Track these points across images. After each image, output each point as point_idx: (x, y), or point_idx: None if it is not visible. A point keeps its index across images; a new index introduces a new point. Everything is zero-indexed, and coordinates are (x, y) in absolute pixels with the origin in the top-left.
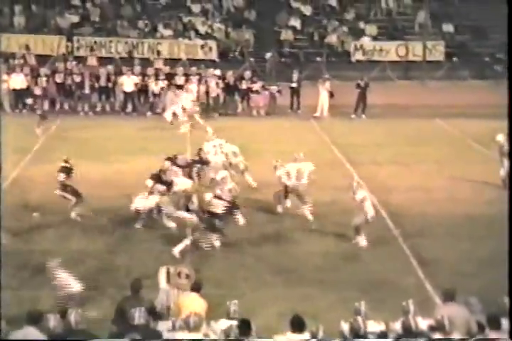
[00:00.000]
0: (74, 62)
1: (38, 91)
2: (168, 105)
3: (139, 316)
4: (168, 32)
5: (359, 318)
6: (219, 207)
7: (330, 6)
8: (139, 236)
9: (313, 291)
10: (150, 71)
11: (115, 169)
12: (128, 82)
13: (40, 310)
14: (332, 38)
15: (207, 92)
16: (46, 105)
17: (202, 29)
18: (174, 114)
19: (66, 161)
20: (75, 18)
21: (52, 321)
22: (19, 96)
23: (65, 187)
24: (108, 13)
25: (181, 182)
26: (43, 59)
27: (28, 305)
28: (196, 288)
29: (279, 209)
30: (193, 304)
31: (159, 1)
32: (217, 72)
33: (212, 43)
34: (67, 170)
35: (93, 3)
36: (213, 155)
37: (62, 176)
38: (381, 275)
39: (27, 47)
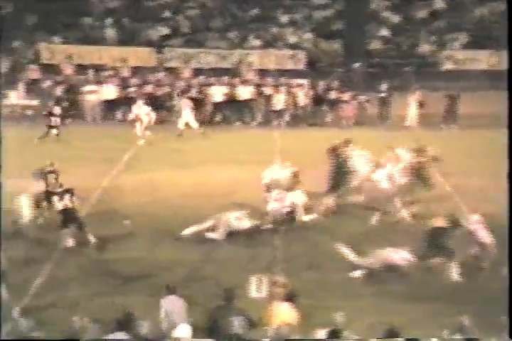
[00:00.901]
0: (164, 73)
1: (127, 102)
2: (182, 114)
3: (238, 325)
4: (257, 42)
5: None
6: None
7: (420, 15)
8: (227, 245)
9: (404, 303)
10: (239, 81)
11: (202, 180)
12: (217, 93)
13: (131, 316)
14: (422, 48)
15: (295, 102)
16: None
17: (291, 39)
18: (187, 124)
19: None
20: (166, 30)
21: (144, 327)
22: (109, 107)
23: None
24: (198, 24)
25: None
26: (133, 70)
27: (120, 311)
28: (290, 298)
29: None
30: (285, 314)
31: (249, 13)
32: (306, 82)
33: (301, 53)
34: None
35: (184, 15)
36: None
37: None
38: None
39: (120, 60)
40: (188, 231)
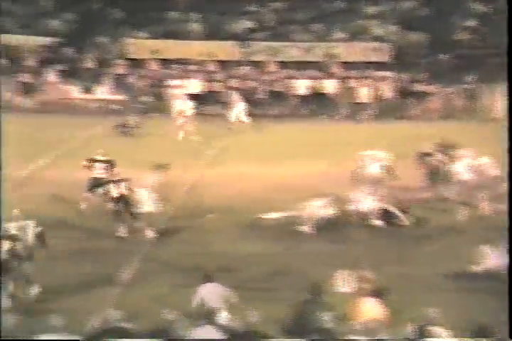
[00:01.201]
0: (248, 68)
1: (212, 96)
2: (234, 108)
3: (324, 320)
4: (342, 35)
5: None
6: None
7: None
8: (310, 239)
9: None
10: (323, 74)
11: (288, 173)
12: (301, 86)
13: (215, 308)
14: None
15: (379, 95)
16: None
17: (376, 31)
18: (237, 117)
19: None
20: (250, 24)
21: (233, 321)
22: (195, 101)
23: None
24: (283, 17)
25: None
26: (218, 64)
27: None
28: (377, 293)
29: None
30: (373, 309)
31: (334, 5)
32: (391, 74)
33: (385, 46)
34: None
35: (269, 8)
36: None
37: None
38: None
39: (205, 54)
40: (269, 216)
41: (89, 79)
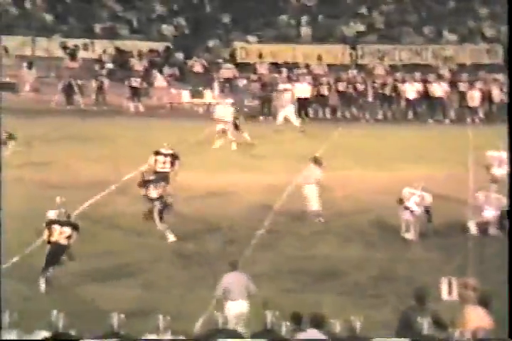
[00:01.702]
0: (356, 71)
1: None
2: (280, 108)
3: (429, 326)
4: (453, 37)
5: None
6: None
7: None
8: (417, 245)
9: None
10: (433, 77)
11: (396, 176)
12: (411, 89)
13: (323, 314)
14: None
15: (490, 98)
16: (328, 113)
17: (488, 33)
18: (286, 118)
19: None
20: (361, 27)
21: (338, 326)
22: (302, 105)
23: None
24: (393, 20)
25: None
26: (326, 68)
27: (310, 308)
28: (484, 302)
29: None
30: (480, 318)
31: (446, 6)
32: (503, 76)
33: (498, 47)
34: None
35: (379, 11)
36: None
37: None
38: None
39: (314, 57)
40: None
41: (199, 83)
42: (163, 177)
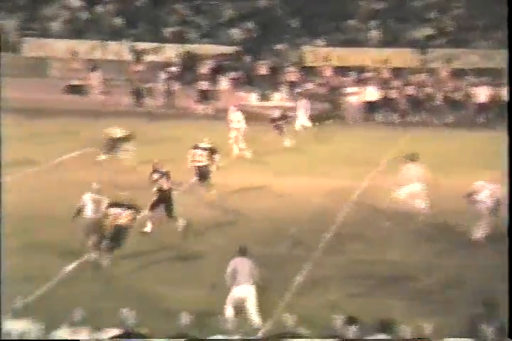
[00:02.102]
0: (424, 75)
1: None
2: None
3: (496, 334)
4: None
5: None
6: None
7: None
8: (485, 251)
9: None
10: (503, 82)
11: (464, 182)
12: (480, 94)
13: (392, 319)
14: None
15: None
16: (395, 117)
17: None
18: (302, 125)
19: None
20: (430, 31)
21: (407, 331)
22: (371, 108)
23: None
24: (463, 24)
25: None
26: (394, 72)
27: (378, 313)
28: None
29: None
30: None
31: None
32: None
33: None
34: None
35: (449, 14)
36: None
37: None
38: None
39: (382, 61)
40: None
41: (265, 86)
42: (203, 171)
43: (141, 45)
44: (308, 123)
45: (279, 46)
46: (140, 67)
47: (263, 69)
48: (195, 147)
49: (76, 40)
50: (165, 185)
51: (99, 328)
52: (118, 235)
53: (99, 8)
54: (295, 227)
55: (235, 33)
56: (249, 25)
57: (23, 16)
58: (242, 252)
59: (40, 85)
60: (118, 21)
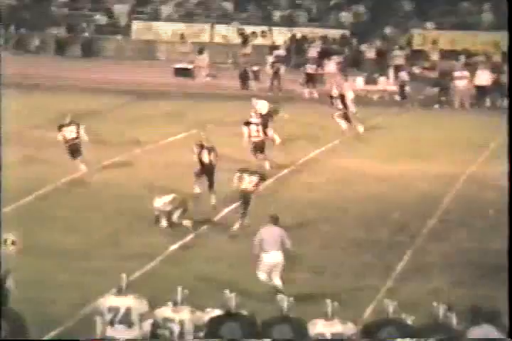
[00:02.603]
0: None
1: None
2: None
3: None
4: None
5: None
6: None
7: None
8: None
9: None
10: None
11: None
12: None
13: (498, 309)
14: None
15: None
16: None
17: None
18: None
19: None
20: None
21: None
22: (482, 93)
23: None
24: None
25: None
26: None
27: (482, 303)
28: None
29: None
30: None
31: None
32: None
33: None
34: None
35: None
36: None
37: None
38: None
39: (492, 44)
40: None
41: (372, 70)
42: (258, 146)
43: (250, 29)
44: (353, 107)
45: (387, 29)
46: (247, 50)
47: (370, 53)
48: (248, 123)
49: (184, 24)
50: (205, 158)
51: (200, 308)
52: (246, 200)
53: None
54: (398, 212)
55: (344, 16)
56: (360, 8)
57: (134, 0)
58: (274, 221)
59: (148, 68)
60: (227, 5)
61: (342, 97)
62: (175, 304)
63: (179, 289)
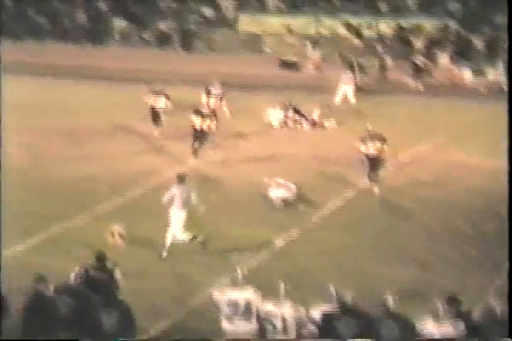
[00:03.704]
0: None
1: None
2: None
3: None
4: None
5: None
6: None
7: None
8: None
9: None
10: None
11: None
12: None
13: None
14: None
15: None
16: None
17: None
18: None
19: None
20: None
21: None
22: None
23: None
24: None
25: None
26: None
27: None
28: None
29: None
30: None
31: None
32: None
33: None
34: None
35: None
36: None
37: None
38: None
39: None
40: None
41: (482, 61)
42: None
43: (356, 20)
44: (353, 99)
45: (498, 18)
46: (354, 42)
47: (480, 44)
48: None
49: (290, 16)
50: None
51: (306, 302)
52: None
53: None
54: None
55: (454, 5)
56: None
57: None
58: (181, 180)
59: (254, 60)
60: None
61: None
62: (276, 298)
63: (281, 284)
